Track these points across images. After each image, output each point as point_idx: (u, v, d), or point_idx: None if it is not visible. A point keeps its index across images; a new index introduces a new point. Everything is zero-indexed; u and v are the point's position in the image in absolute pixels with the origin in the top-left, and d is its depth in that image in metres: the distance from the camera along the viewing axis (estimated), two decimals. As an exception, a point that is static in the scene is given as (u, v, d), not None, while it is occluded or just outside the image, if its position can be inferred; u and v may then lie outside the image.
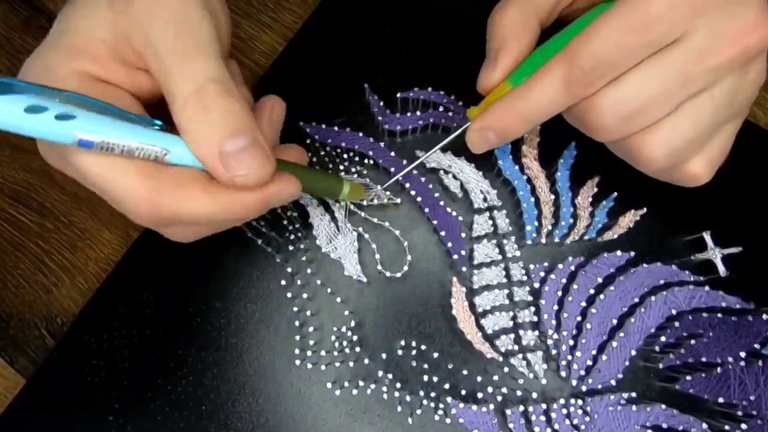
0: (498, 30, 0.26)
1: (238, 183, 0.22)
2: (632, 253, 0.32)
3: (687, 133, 0.23)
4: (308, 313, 0.31)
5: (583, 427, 0.29)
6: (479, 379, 0.30)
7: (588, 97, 0.23)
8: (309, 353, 0.31)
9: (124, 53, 0.23)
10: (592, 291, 0.31)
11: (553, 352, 0.30)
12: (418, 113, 0.34)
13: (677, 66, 0.22)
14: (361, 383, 0.30)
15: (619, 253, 0.32)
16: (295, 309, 0.31)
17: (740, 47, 0.22)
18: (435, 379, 0.30)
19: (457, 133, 0.29)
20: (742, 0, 0.22)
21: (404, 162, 0.33)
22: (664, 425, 0.28)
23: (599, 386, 0.30)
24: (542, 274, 0.32)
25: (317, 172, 0.28)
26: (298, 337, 0.31)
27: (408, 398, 0.30)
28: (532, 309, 0.31)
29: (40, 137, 0.20)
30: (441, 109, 0.34)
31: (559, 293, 0.31)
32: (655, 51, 0.22)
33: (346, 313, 0.31)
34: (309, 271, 0.32)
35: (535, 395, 0.30)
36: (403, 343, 0.31)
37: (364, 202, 0.32)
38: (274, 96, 0.28)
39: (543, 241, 0.32)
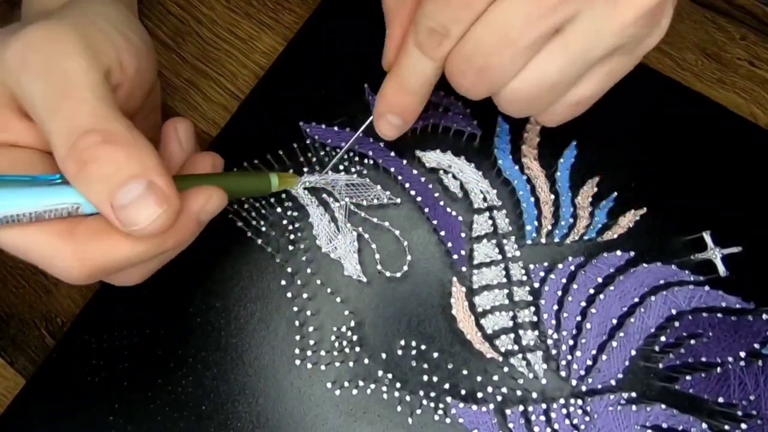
0: (384, 6, 0.26)
1: (138, 235, 0.21)
2: (632, 253, 0.32)
3: (533, 89, 0.22)
4: (308, 312, 0.31)
5: (583, 427, 0.29)
6: (479, 379, 0.30)
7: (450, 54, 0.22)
8: (309, 353, 0.31)
9: (17, 103, 0.22)
10: (591, 291, 0.31)
11: (553, 352, 0.30)
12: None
13: (511, 11, 0.20)
14: (361, 383, 0.30)
15: (618, 253, 0.32)
16: (295, 309, 0.31)
17: None
18: (435, 379, 0.30)
19: (366, 123, 0.30)
20: None
21: (404, 162, 0.33)
22: (664, 425, 0.28)
23: (599, 386, 0.30)
24: (542, 273, 0.32)
25: (240, 175, 0.28)
26: (298, 337, 0.31)
27: (408, 398, 0.30)
28: (532, 309, 0.31)
29: None
30: (440, 109, 0.34)
31: (559, 293, 0.31)
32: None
33: (346, 313, 0.31)
34: (309, 271, 0.32)
35: (534, 395, 0.30)
36: (403, 343, 0.31)
37: (364, 202, 0.32)
38: (177, 117, 0.27)
39: (543, 241, 0.32)
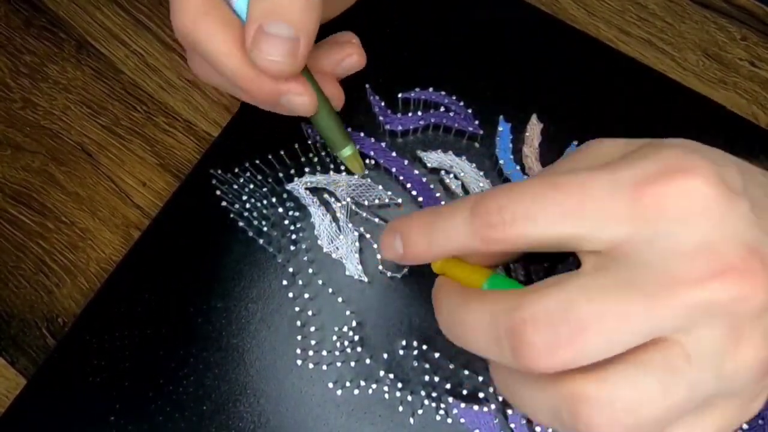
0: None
1: (252, 56, 0.24)
2: (633, 253, 0.32)
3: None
4: (309, 313, 0.31)
5: (584, 427, 0.29)
6: (480, 379, 0.30)
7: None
8: (310, 353, 0.31)
9: None
10: (593, 291, 0.31)
11: (555, 352, 0.30)
12: (420, 113, 0.34)
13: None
14: (362, 383, 0.30)
15: (620, 253, 0.32)
16: (297, 309, 0.31)
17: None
18: (436, 379, 0.30)
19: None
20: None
21: (405, 162, 0.33)
22: (666, 425, 0.28)
23: (600, 386, 0.30)
24: (542, 273, 0.32)
25: (336, 118, 0.29)
26: (299, 337, 0.31)
27: (409, 398, 0.30)
28: (534, 309, 0.31)
29: None
30: (442, 109, 0.34)
31: (561, 293, 0.31)
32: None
33: (348, 313, 0.31)
34: (310, 271, 0.32)
35: (536, 395, 0.30)
36: (404, 343, 0.31)
37: (366, 202, 0.32)
38: (354, 50, 0.30)
39: (544, 241, 0.32)
